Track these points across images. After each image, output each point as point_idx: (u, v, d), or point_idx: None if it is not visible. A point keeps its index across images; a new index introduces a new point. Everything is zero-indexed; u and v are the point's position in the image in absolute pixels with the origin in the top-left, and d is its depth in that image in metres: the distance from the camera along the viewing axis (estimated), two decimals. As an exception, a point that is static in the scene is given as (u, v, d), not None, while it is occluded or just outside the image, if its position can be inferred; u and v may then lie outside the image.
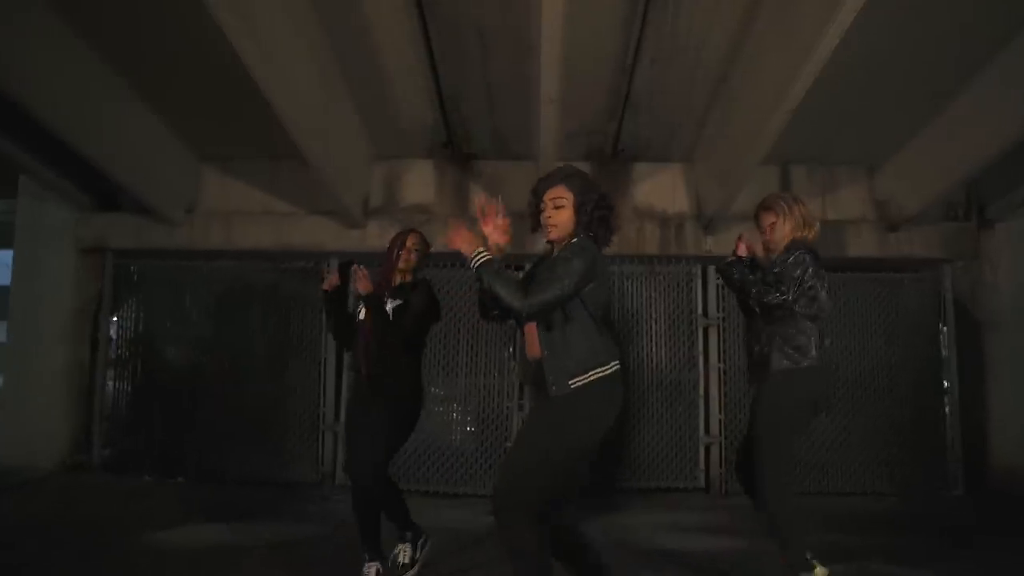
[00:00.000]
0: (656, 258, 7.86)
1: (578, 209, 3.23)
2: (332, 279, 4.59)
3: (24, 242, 8.08)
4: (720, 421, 7.57)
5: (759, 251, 4.27)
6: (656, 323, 7.84)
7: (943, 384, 7.79)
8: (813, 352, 3.92)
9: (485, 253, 3.13)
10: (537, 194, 3.34)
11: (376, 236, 7.70)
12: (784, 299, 3.88)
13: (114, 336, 8.10)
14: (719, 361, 7.62)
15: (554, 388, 3.05)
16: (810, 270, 3.92)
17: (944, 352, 7.85)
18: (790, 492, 3.93)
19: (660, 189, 7.99)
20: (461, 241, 3.17)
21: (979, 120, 6.46)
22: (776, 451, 3.91)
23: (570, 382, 3.04)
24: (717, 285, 7.71)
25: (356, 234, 7.83)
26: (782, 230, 4.10)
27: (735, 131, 6.64)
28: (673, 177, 7.99)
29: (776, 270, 3.95)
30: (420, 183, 8.00)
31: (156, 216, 7.78)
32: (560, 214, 3.24)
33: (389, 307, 4.33)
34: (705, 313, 7.74)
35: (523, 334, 3.28)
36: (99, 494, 6.94)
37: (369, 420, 4.25)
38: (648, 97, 6.77)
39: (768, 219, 4.16)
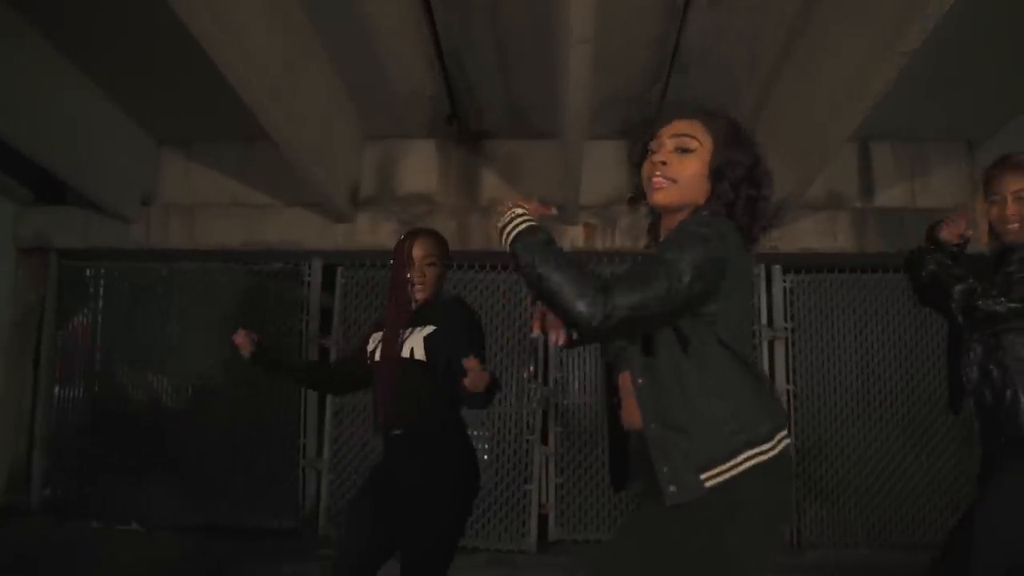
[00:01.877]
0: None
1: (716, 170, 1.95)
2: (240, 339, 3.23)
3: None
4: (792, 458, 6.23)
5: (960, 231, 2.82)
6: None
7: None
8: None
9: (526, 217, 1.85)
10: (651, 131, 2.07)
11: (367, 232, 6.73)
12: (1012, 309, 2.55)
13: (59, 353, 7.08)
14: (788, 382, 6.35)
15: (672, 488, 1.78)
16: None
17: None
18: None
19: (714, 172, 6.70)
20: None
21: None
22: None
23: (702, 476, 1.77)
24: (784, 288, 6.47)
25: (343, 229, 6.76)
26: None
27: (815, 95, 5.33)
28: (731, 157, 6.70)
29: (1018, 259, 2.62)
30: (420, 167, 6.95)
31: (106, 210, 6.76)
32: (684, 162, 1.95)
33: (415, 339, 2.96)
34: (770, 323, 6.40)
35: (606, 377, 2.10)
36: (37, 542, 6.15)
37: (403, 509, 2.86)
38: (702, 51, 5.49)
39: (1017, 185, 2.70)
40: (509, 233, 1.82)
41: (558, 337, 2.08)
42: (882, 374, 6.33)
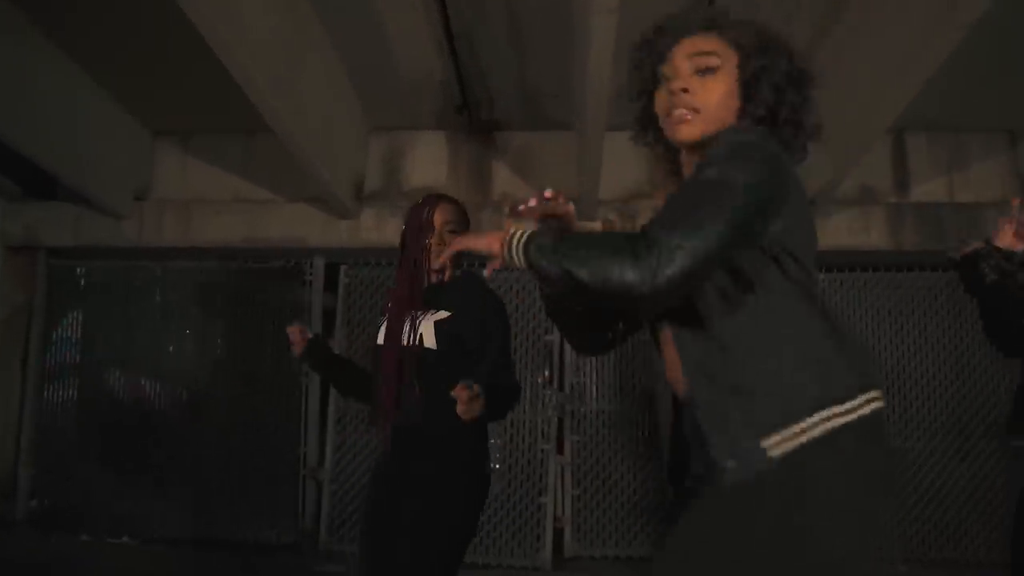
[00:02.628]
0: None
1: (749, 81, 1.63)
2: (296, 338, 3.01)
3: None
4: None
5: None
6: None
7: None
8: None
9: (519, 236, 1.51)
10: (655, 58, 1.71)
11: (372, 228, 6.55)
12: None
13: (48, 356, 6.86)
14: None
15: (730, 462, 1.45)
16: None
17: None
18: None
19: (742, 165, 6.43)
20: (476, 240, 1.63)
21: None
22: None
23: (765, 443, 1.41)
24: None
25: (346, 226, 6.58)
26: None
27: (855, 80, 5.02)
28: (759, 148, 6.42)
29: None
30: (429, 160, 6.76)
31: (98, 206, 6.57)
32: (708, 86, 1.63)
33: (425, 324, 2.62)
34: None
35: (657, 346, 1.75)
36: (23, 556, 5.89)
37: (408, 514, 2.53)
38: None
39: None
40: (517, 251, 1.49)
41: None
42: (920, 378, 6.08)
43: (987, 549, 5.66)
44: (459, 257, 1.99)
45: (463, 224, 2.69)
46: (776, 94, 1.61)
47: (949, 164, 6.52)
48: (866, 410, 1.43)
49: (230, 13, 4.16)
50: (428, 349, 2.54)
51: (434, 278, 2.65)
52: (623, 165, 6.25)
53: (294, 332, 2.94)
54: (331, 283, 6.64)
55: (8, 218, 6.76)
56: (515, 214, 1.59)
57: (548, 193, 1.62)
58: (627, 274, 1.33)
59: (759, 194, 1.41)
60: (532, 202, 1.60)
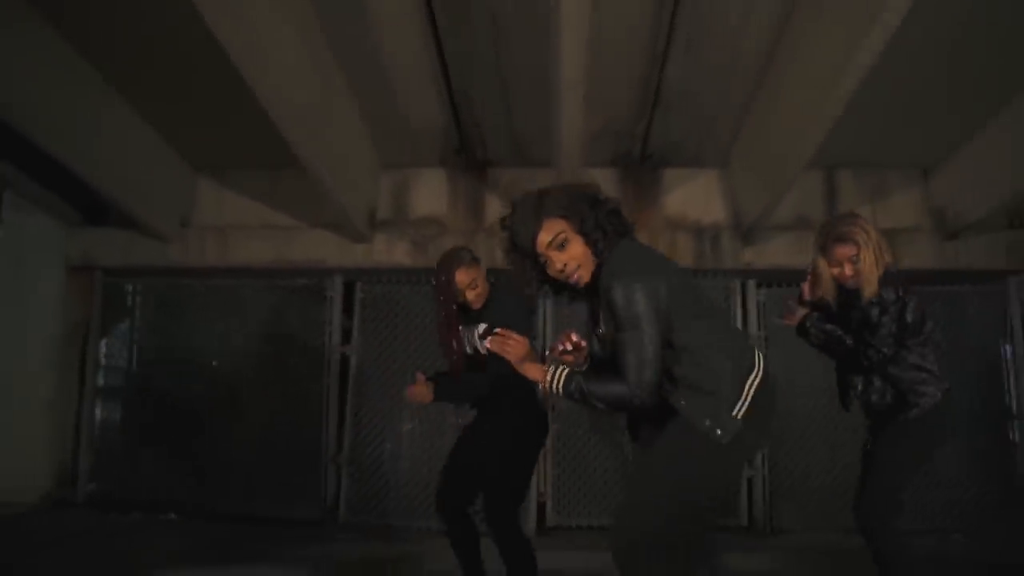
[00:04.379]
0: (690, 272, 7.15)
1: (583, 228, 2.54)
2: (419, 393, 3.84)
3: (8, 261, 7.53)
4: (763, 452, 6.83)
5: (819, 292, 3.66)
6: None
7: (1011, 408, 7.04)
8: (938, 373, 3.46)
9: (558, 369, 2.53)
10: (525, 250, 2.60)
11: (383, 251, 7.33)
12: (889, 353, 3.40)
13: (103, 361, 7.62)
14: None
15: (718, 431, 2.44)
16: (908, 306, 3.44)
17: (1009, 373, 7.09)
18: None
19: (694, 197, 7.40)
20: (530, 368, 2.62)
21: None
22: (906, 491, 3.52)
23: (734, 413, 2.48)
24: (758, 301, 7.08)
25: (361, 249, 7.36)
26: (868, 263, 3.44)
27: (777, 130, 6.03)
28: (708, 183, 7.38)
29: (874, 311, 3.42)
30: (431, 193, 7.52)
31: (147, 231, 7.34)
32: (570, 251, 2.54)
33: (477, 341, 3.77)
34: (745, 331, 7.04)
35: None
36: (84, 531, 6.49)
37: (484, 431, 3.92)
38: (681, 91, 6.18)
39: (846, 252, 3.48)
40: (556, 386, 2.52)
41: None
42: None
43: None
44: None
45: (478, 275, 3.74)
46: (600, 227, 2.52)
47: (872, 195, 7.35)
48: (759, 373, 2.51)
49: (277, 79, 5.08)
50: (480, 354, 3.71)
51: (476, 306, 3.76)
52: None
53: (418, 390, 3.79)
54: (348, 298, 7.30)
55: (70, 242, 7.54)
56: (553, 353, 2.65)
57: (574, 338, 2.63)
58: (625, 399, 2.40)
59: (652, 314, 2.39)
60: (563, 345, 2.61)
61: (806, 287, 3.67)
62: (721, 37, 5.57)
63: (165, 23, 5.23)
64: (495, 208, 7.43)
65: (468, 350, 3.80)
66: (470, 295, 3.74)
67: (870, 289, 3.41)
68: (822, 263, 3.56)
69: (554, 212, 2.53)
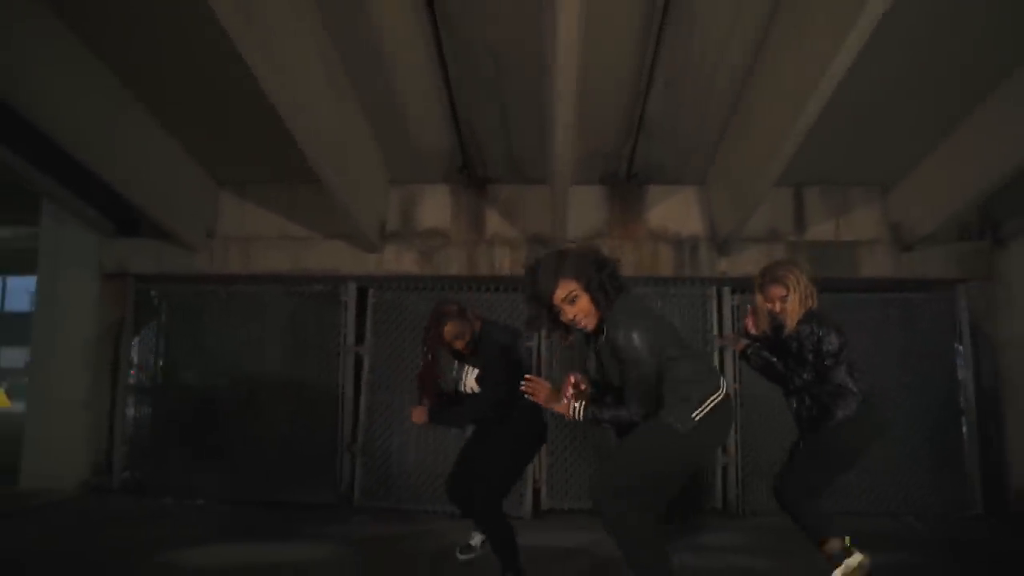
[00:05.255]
0: (670, 280, 7.90)
1: (589, 288, 3.24)
2: (420, 417, 4.62)
3: (46, 268, 8.22)
4: (736, 441, 7.53)
5: (762, 326, 4.39)
6: (672, 344, 7.81)
7: (960, 405, 7.75)
8: (856, 390, 4.14)
9: (578, 404, 3.33)
10: (543, 301, 3.31)
11: (392, 260, 7.90)
12: (810, 379, 4.12)
13: (135, 361, 8.18)
14: (735, 381, 7.55)
15: (679, 425, 3.19)
16: (825, 337, 4.11)
17: (960, 373, 7.80)
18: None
19: (674, 211, 8.06)
20: (557, 405, 3.37)
21: (991, 140, 6.49)
22: (828, 483, 4.28)
23: (694, 415, 3.21)
24: (732, 306, 7.74)
25: (373, 258, 7.93)
26: (793, 304, 4.18)
27: (749, 152, 6.71)
28: (687, 199, 8.06)
29: (794, 343, 4.14)
30: (436, 207, 8.10)
31: (176, 241, 7.88)
32: (579, 305, 3.25)
33: (469, 378, 4.54)
34: (720, 334, 7.75)
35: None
36: (119, 516, 7.00)
37: (491, 433, 4.58)
38: (662, 120, 6.85)
39: (778, 292, 4.23)
40: (579, 417, 3.32)
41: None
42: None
43: (856, 500, 7.18)
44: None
45: (463, 327, 4.45)
46: (601, 288, 3.24)
47: (836, 211, 8.01)
48: (721, 394, 3.27)
49: (305, 109, 5.70)
50: (475, 392, 4.47)
51: (466, 352, 4.47)
52: (585, 211, 7.84)
53: (418, 414, 4.55)
54: (361, 303, 7.85)
55: (104, 251, 8.11)
56: (564, 394, 3.39)
57: (574, 380, 3.39)
58: (630, 421, 3.22)
59: (648, 353, 3.14)
60: (570, 388, 3.36)
61: (750, 322, 4.40)
62: (697, 76, 6.25)
63: (193, 49, 5.80)
64: (495, 221, 8.05)
65: (464, 389, 4.59)
66: (458, 344, 4.50)
67: (790, 326, 4.18)
68: (760, 299, 4.31)
69: (568, 273, 3.26)
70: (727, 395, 3.28)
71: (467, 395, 4.59)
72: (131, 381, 8.12)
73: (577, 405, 3.31)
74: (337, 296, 7.90)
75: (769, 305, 4.27)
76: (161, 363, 8.20)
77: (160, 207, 7.40)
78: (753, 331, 4.38)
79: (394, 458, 7.69)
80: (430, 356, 4.49)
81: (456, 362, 4.69)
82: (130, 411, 8.09)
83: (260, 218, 8.15)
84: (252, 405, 7.89)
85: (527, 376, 3.49)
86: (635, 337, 3.12)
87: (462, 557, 4.91)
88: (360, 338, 7.85)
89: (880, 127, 6.84)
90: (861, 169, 7.75)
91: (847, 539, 4.10)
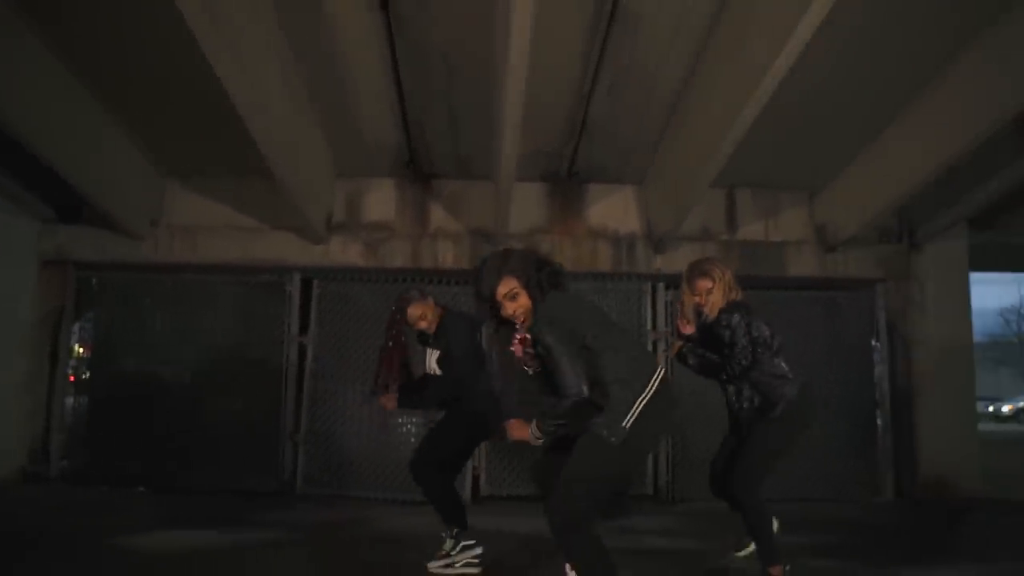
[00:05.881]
0: (608, 275, 8.18)
1: (529, 286, 3.40)
2: (389, 403, 4.82)
3: (-18, 253, 8.07)
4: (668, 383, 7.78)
5: (689, 319, 4.58)
6: (608, 337, 8.08)
7: (876, 398, 8.23)
8: (792, 376, 4.33)
9: (532, 424, 3.44)
10: (486, 297, 3.47)
11: (338, 252, 8.02)
12: (748, 363, 4.28)
13: (74, 348, 8.11)
14: (669, 373, 7.74)
15: (612, 438, 3.24)
16: (752, 324, 4.31)
17: (877, 368, 8.29)
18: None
19: (613, 210, 8.34)
20: (521, 435, 3.48)
21: (910, 149, 6.92)
22: (772, 470, 4.43)
23: (624, 424, 3.25)
24: (667, 302, 8.04)
25: (319, 249, 8.03)
26: (717, 295, 4.38)
27: (686, 155, 6.99)
28: (626, 198, 8.34)
29: (726, 332, 4.31)
30: (382, 201, 8.23)
31: (120, 229, 7.85)
32: (519, 302, 3.40)
33: (431, 359, 4.72)
34: (654, 327, 8.08)
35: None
36: (58, 503, 6.95)
37: (443, 421, 4.84)
38: (604, 123, 7.11)
39: (705, 285, 4.42)
40: (538, 436, 3.41)
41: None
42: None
43: (785, 486, 7.43)
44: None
45: (424, 311, 4.68)
46: (540, 285, 3.38)
47: (766, 213, 8.39)
48: (655, 387, 3.29)
49: (260, 104, 5.77)
50: (435, 375, 4.66)
51: (430, 330, 4.67)
52: (527, 207, 8.06)
53: (388, 401, 4.77)
54: (306, 293, 7.94)
55: (43, 238, 8.01)
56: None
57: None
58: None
59: (564, 344, 3.30)
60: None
61: (681, 323, 4.63)
62: (639, 82, 6.53)
63: (146, 39, 5.81)
64: (439, 215, 8.23)
65: (427, 370, 4.79)
66: (421, 325, 4.72)
67: (711, 314, 4.39)
68: (687, 293, 4.55)
69: (511, 272, 3.42)
70: (664, 378, 3.30)
71: (431, 377, 4.77)
72: (70, 369, 8.05)
73: (532, 426, 3.41)
74: (282, 286, 7.99)
75: (696, 298, 4.46)
76: (102, 351, 8.16)
77: (103, 194, 7.35)
78: (687, 331, 4.61)
79: (337, 446, 7.82)
80: (395, 339, 4.69)
81: (422, 347, 4.87)
82: (69, 399, 8.04)
83: (207, 208, 8.14)
84: (195, 394, 7.93)
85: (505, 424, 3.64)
86: (547, 331, 3.30)
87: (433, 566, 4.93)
88: (305, 328, 7.95)
89: (808, 134, 7.19)
90: (790, 173, 8.14)
91: (787, 567, 4.24)
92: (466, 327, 4.64)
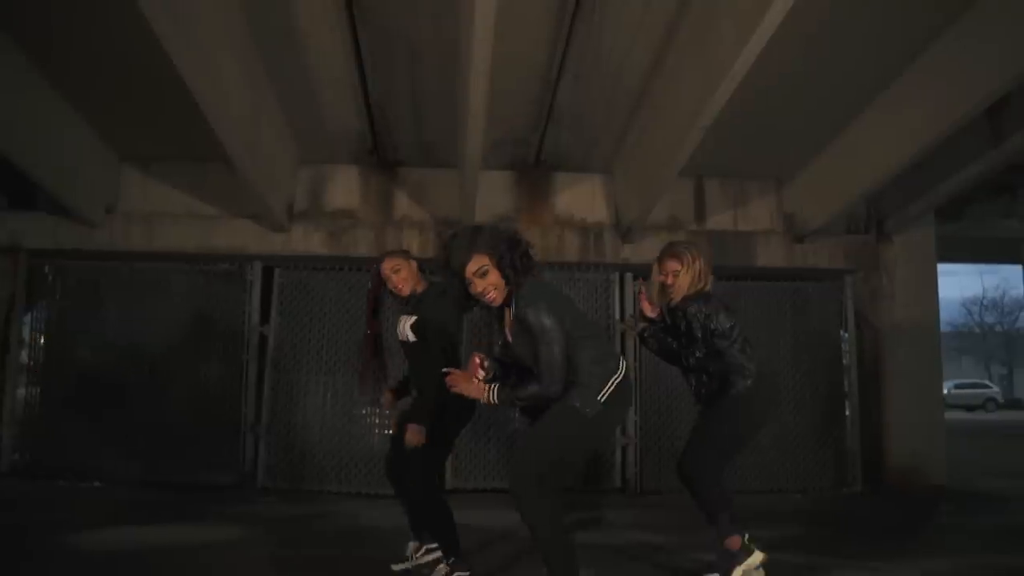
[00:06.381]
0: (576, 265, 8.10)
1: (500, 264, 3.32)
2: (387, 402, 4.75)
3: (-71, 241, 7.81)
4: (635, 423, 7.82)
5: (653, 300, 4.49)
6: (576, 328, 8.01)
7: (844, 389, 8.23)
8: (749, 366, 4.24)
9: (491, 387, 3.38)
10: (454, 271, 3.39)
11: (300, 240, 7.86)
12: (701, 355, 4.21)
13: (26, 338, 7.93)
14: (635, 361, 7.74)
15: (588, 410, 3.27)
16: (713, 315, 4.21)
17: (845, 358, 8.30)
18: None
19: (580, 199, 8.26)
20: (473, 390, 3.41)
21: (878, 139, 6.90)
22: (727, 457, 4.38)
23: (599, 398, 3.29)
24: (634, 292, 7.98)
25: (280, 238, 7.89)
26: (683, 280, 4.29)
27: (653, 144, 6.93)
28: (593, 187, 8.27)
29: (683, 322, 4.24)
30: (345, 188, 8.11)
31: (74, 216, 7.66)
32: (489, 279, 3.32)
33: (404, 328, 4.38)
34: (622, 318, 8.02)
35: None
36: (10, 498, 6.82)
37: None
38: (571, 111, 7.03)
39: (673, 266, 4.34)
40: (493, 399, 3.35)
41: None
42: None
43: (746, 478, 7.48)
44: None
45: (405, 266, 4.42)
46: (513, 264, 3.30)
47: (734, 202, 8.36)
48: (621, 375, 3.37)
49: (219, 87, 5.62)
50: (411, 343, 4.34)
51: (403, 292, 4.41)
52: (493, 196, 7.94)
53: (387, 401, 4.72)
54: (267, 282, 7.80)
55: None
56: (475, 375, 3.43)
57: (478, 361, 3.44)
58: (544, 396, 3.24)
59: (558, 332, 3.22)
60: (477, 373, 3.42)
61: (646, 305, 4.56)
62: (605, 70, 6.44)
63: (103, 24, 5.62)
64: (403, 203, 8.11)
65: (400, 337, 4.47)
66: (395, 279, 4.41)
67: (675, 299, 4.30)
68: (655, 270, 4.46)
69: (481, 248, 3.32)
70: (626, 375, 3.41)
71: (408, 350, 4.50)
72: (22, 360, 7.86)
73: (490, 388, 3.38)
74: (243, 275, 7.85)
75: (662, 278, 4.38)
76: (56, 342, 7.97)
77: (56, 180, 7.15)
78: (650, 314, 4.52)
79: (298, 438, 7.70)
80: (371, 313, 4.54)
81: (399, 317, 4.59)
82: (20, 391, 7.84)
83: (165, 195, 7.96)
84: (153, 385, 7.76)
85: (445, 371, 3.56)
86: (544, 313, 3.22)
87: (397, 568, 4.69)
88: (266, 318, 7.83)
89: (776, 124, 7.15)
90: (758, 163, 8.12)
91: (746, 537, 4.16)
92: (448, 304, 4.37)
